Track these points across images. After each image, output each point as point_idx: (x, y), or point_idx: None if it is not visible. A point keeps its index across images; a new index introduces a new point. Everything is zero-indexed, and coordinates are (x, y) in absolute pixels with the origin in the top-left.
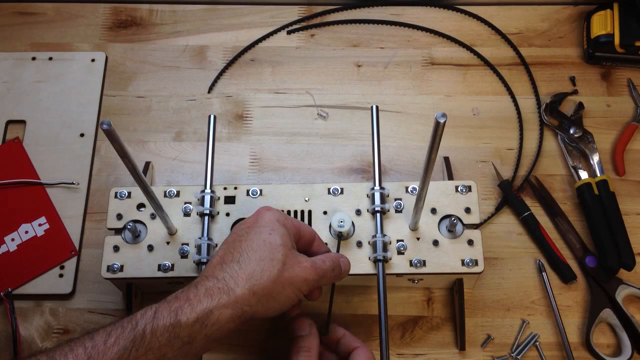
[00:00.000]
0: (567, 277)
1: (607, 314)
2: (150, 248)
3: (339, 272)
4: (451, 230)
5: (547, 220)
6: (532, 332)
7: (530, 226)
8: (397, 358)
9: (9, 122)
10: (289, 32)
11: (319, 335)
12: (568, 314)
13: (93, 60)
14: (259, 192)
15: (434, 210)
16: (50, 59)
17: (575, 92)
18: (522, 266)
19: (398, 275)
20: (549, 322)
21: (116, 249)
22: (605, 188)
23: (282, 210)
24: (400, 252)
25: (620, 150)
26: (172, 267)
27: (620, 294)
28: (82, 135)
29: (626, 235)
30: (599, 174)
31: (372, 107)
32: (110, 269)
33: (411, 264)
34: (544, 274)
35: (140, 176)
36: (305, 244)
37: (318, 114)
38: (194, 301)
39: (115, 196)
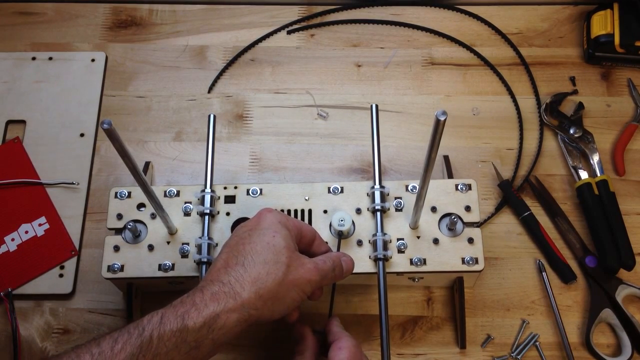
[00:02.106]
0: (567, 277)
1: (607, 314)
2: (151, 248)
3: (340, 272)
4: (451, 229)
5: (547, 220)
6: (532, 332)
7: (530, 226)
8: (397, 358)
9: (9, 122)
10: (289, 32)
11: (315, 339)
12: (568, 314)
13: (93, 60)
14: (259, 191)
15: (434, 209)
16: (50, 59)
17: (575, 92)
18: (522, 266)
19: (398, 274)
20: (549, 322)
21: (116, 248)
22: (605, 188)
23: (282, 210)
24: (400, 251)
25: (620, 150)
26: (172, 267)
27: (620, 294)
28: (82, 135)
29: (626, 235)
30: (599, 174)
31: (371, 105)
32: (110, 268)
33: (411, 263)
34: (544, 274)
35: (141, 176)
36: (306, 243)
37: (318, 114)
38: (201, 306)
39: (116, 196)
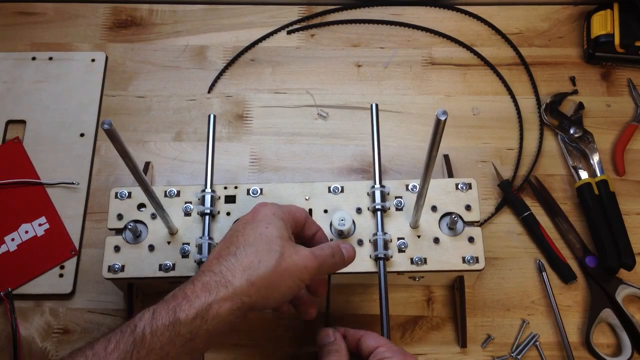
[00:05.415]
0: (567, 277)
1: (607, 314)
2: (151, 248)
3: (341, 258)
4: (452, 228)
5: (547, 220)
6: (532, 332)
7: (530, 226)
8: None
9: (9, 122)
10: (289, 32)
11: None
12: (568, 314)
13: (93, 60)
14: (259, 191)
15: (434, 208)
16: (50, 59)
17: (575, 92)
18: (522, 266)
19: (399, 273)
20: (549, 322)
21: (117, 249)
22: (605, 188)
23: None
24: (401, 250)
25: (620, 150)
26: (173, 267)
27: (620, 294)
28: (82, 135)
29: (626, 235)
30: (599, 174)
31: (371, 105)
32: (111, 269)
33: (412, 262)
34: (544, 274)
35: (141, 175)
36: (300, 227)
37: (318, 114)
38: (192, 297)
39: (116, 196)
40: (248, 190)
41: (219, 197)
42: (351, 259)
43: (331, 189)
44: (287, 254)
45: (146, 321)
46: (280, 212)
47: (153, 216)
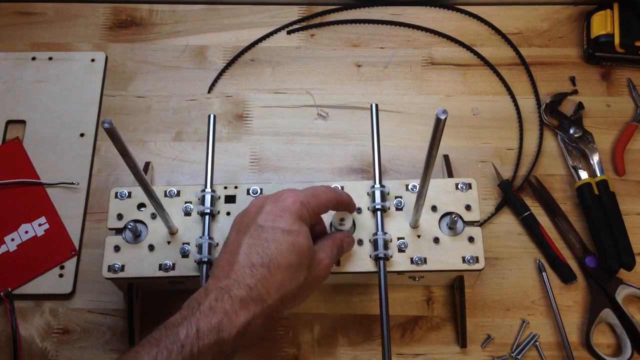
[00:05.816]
0: (567, 277)
1: (607, 314)
2: (151, 248)
3: (342, 254)
4: (452, 228)
5: (547, 220)
6: (532, 332)
7: (530, 226)
8: (397, 358)
9: (9, 122)
10: (289, 32)
11: None
12: (568, 314)
13: (93, 60)
14: (259, 191)
15: (434, 208)
16: (50, 59)
17: (575, 92)
18: (522, 266)
19: (399, 273)
20: (549, 322)
21: (117, 249)
22: (605, 188)
23: None
24: (401, 250)
25: (620, 150)
26: (173, 267)
27: (620, 294)
28: (82, 135)
29: (626, 235)
30: (599, 174)
31: (371, 105)
32: (111, 269)
33: (412, 262)
34: (544, 274)
35: (142, 175)
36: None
37: (318, 114)
38: (232, 315)
39: (116, 196)
40: (248, 190)
41: (219, 197)
42: (349, 250)
43: None
44: (313, 267)
45: (192, 340)
46: (306, 215)
47: (153, 216)
